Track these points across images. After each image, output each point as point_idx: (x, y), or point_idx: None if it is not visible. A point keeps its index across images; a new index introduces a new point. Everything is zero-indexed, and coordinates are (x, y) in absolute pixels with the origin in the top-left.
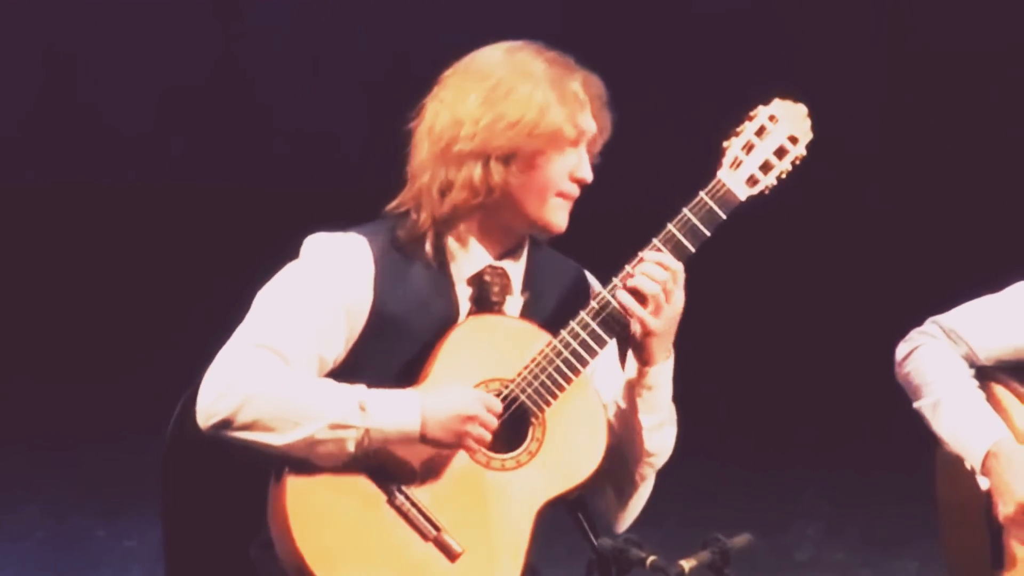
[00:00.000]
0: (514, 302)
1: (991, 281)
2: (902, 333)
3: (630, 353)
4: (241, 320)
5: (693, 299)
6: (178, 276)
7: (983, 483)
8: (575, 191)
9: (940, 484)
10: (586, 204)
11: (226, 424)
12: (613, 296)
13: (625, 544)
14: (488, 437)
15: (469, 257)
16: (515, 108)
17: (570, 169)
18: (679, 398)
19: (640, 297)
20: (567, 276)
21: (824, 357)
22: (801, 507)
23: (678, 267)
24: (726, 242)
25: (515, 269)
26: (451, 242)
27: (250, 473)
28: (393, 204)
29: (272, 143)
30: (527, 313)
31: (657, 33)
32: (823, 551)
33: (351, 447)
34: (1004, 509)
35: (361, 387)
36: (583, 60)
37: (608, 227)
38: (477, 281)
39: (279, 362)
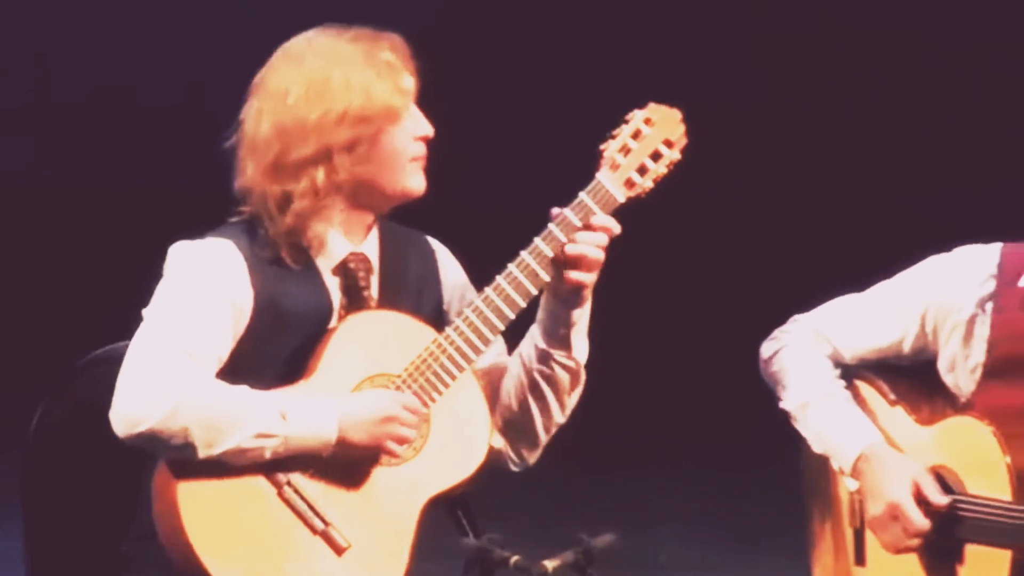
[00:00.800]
0: (374, 282)
1: (855, 280)
2: (766, 332)
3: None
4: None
5: None
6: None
7: (851, 484)
8: (423, 149)
9: (806, 482)
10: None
11: (152, 433)
12: (505, 289)
13: (489, 544)
14: (410, 436)
15: (331, 248)
16: (339, 98)
17: (411, 132)
18: None
19: (584, 263)
20: (416, 247)
21: (687, 356)
22: (664, 506)
23: (616, 229)
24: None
25: (372, 250)
26: (311, 237)
27: (117, 472)
28: (235, 219)
29: None
30: (387, 291)
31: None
32: (686, 550)
33: (268, 455)
34: (873, 510)
35: (280, 394)
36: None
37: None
38: (343, 270)
39: (195, 367)
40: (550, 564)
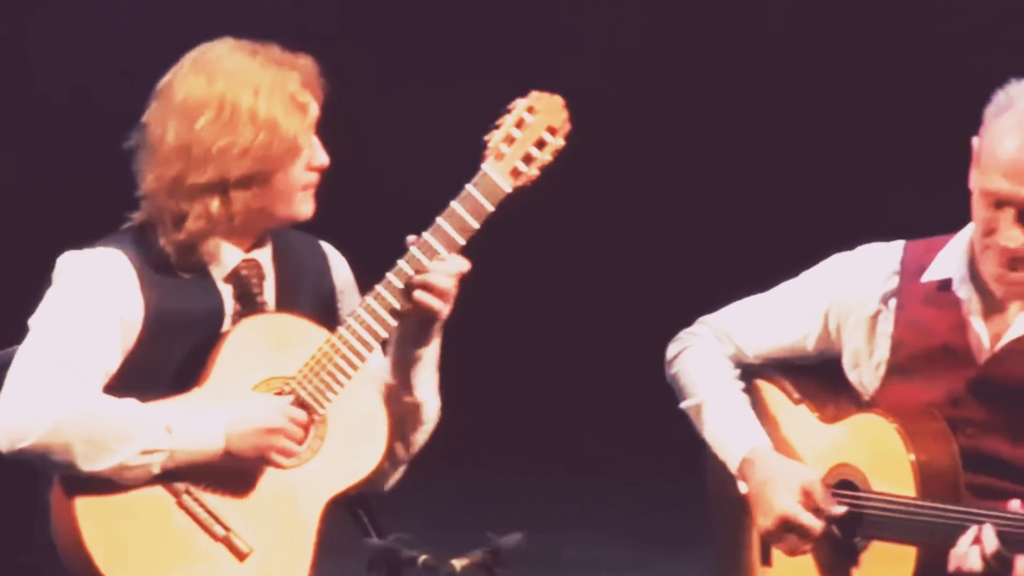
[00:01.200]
0: (269, 288)
1: (759, 280)
2: (672, 334)
3: (396, 339)
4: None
5: (463, 303)
6: None
7: (742, 487)
8: (316, 178)
9: (710, 483)
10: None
11: (34, 448)
12: (390, 291)
13: (396, 543)
14: (295, 449)
15: (223, 256)
16: (244, 132)
17: (307, 163)
18: (453, 402)
19: (435, 291)
20: (309, 251)
21: (596, 359)
22: (571, 506)
23: (465, 265)
24: (501, 234)
25: (264, 256)
26: (202, 247)
27: (14, 481)
28: (127, 225)
29: None
30: (282, 296)
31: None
32: (593, 551)
33: (156, 469)
34: (764, 522)
35: (164, 407)
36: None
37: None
38: (235, 277)
39: (79, 382)
40: (458, 563)
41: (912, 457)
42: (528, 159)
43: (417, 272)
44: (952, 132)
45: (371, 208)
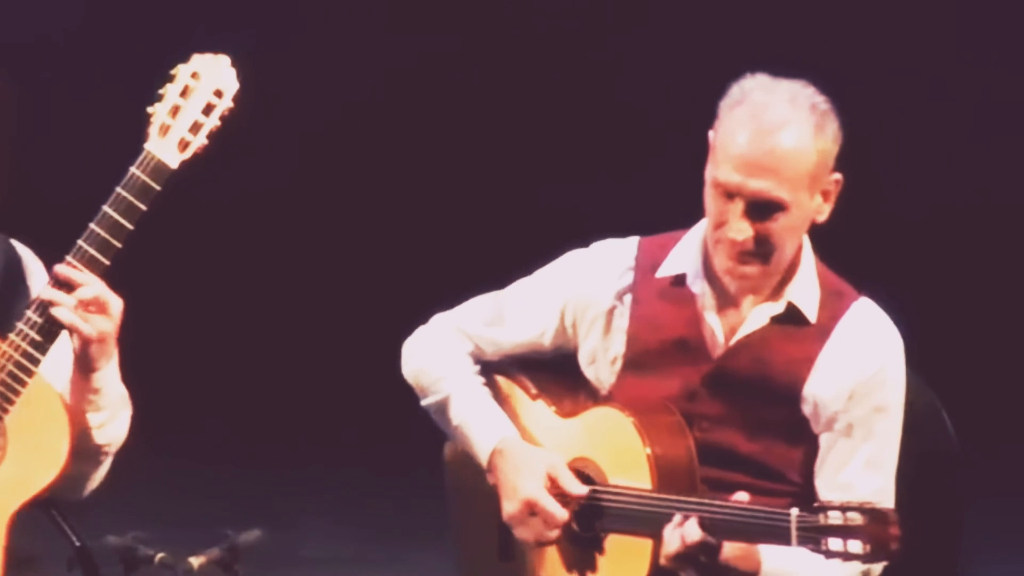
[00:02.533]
0: None
1: (495, 277)
2: (409, 331)
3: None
4: None
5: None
6: None
7: (490, 480)
8: None
9: (450, 477)
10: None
11: None
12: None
13: (133, 542)
14: None
15: None
16: None
17: None
18: (189, 397)
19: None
20: (2, 253)
21: (335, 355)
22: (310, 502)
23: (94, 279)
24: (243, 231)
25: None
26: None
27: None
28: None
29: None
30: None
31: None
32: (329, 546)
33: None
34: (509, 508)
35: None
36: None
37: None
38: None
39: None
40: (195, 561)
41: (648, 451)
42: (196, 128)
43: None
44: (690, 126)
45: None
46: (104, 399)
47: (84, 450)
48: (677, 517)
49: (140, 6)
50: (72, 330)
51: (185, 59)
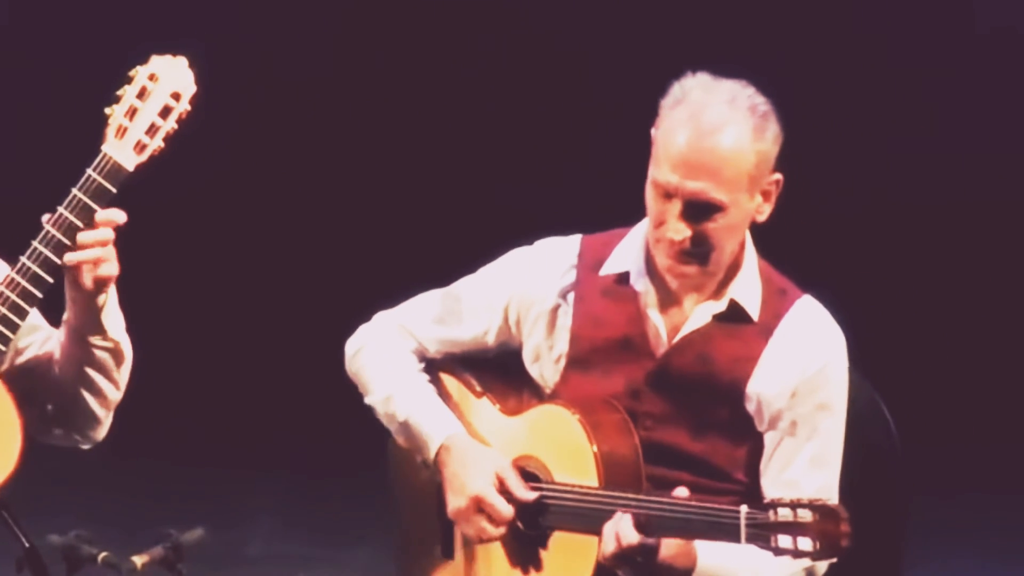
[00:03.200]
0: None
1: (438, 275)
2: (351, 329)
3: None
4: None
5: (138, 303)
6: None
7: (436, 476)
8: None
9: (393, 475)
10: None
11: None
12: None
13: (76, 541)
14: None
15: None
16: None
17: None
18: (126, 401)
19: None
20: None
21: (275, 353)
22: (253, 502)
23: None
24: (157, 235)
25: None
26: None
27: None
28: None
29: None
30: None
31: None
32: (273, 545)
33: None
34: (456, 503)
35: None
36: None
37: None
38: None
39: None
40: (139, 560)
41: (595, 448)
42: (153, 130)
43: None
44: (633, 125)
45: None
46: (114, 316)
47: (117, 363)
48: (616, 516)
49: (99, 5)
50: (97, 263)
51: (143, 60)
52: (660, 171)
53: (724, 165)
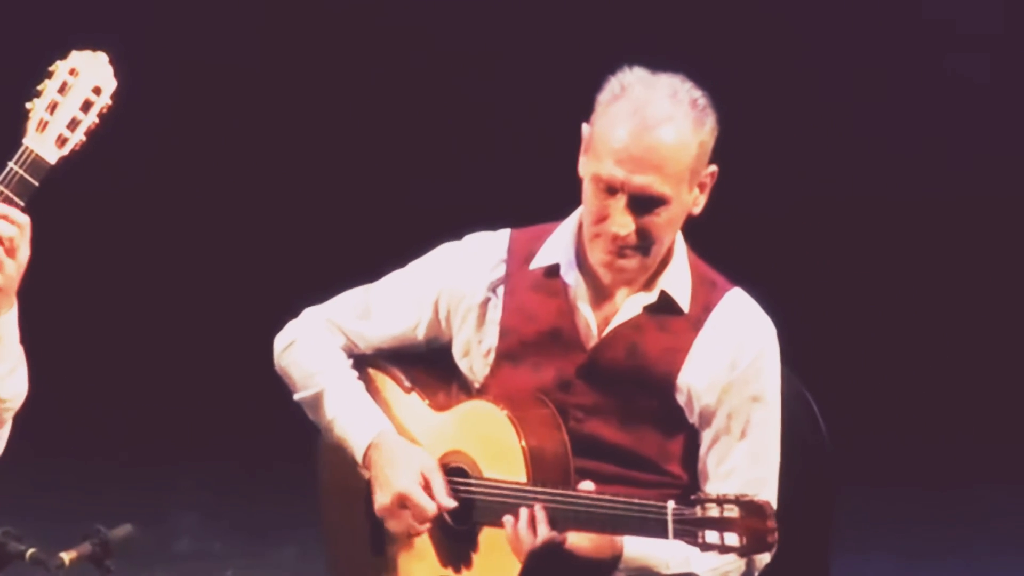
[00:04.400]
0: None
1: (366, 271)
2: (279, 326)
3: None
4: None
5: (64, 297)
6: None
7: (365, 474)
8: None
9: (323, 472)
10: None
11: None
12: None
13: (3, 537)
14: None
15: None
16: None
17: None
18: (53, 396)
19: None
20: None
21: (205, 348)
22: (179, 498)
23: (24, 220)
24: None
25: None
26: None
27: None
28: None
29: None
30: None
31: None
32: (201, 541)
33: None
34: (381, 499)
35: None
36: None
37: None
38: None
39: None
40: (67, 556)
41: (523, 444)
42: (74, 124)
43: None
44: (560, 119)
45: None
46: (7, 348)
47: None
48: (524, 512)
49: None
50: None
51: (63, 55)
52: (603, 166)
53: (669, 159)
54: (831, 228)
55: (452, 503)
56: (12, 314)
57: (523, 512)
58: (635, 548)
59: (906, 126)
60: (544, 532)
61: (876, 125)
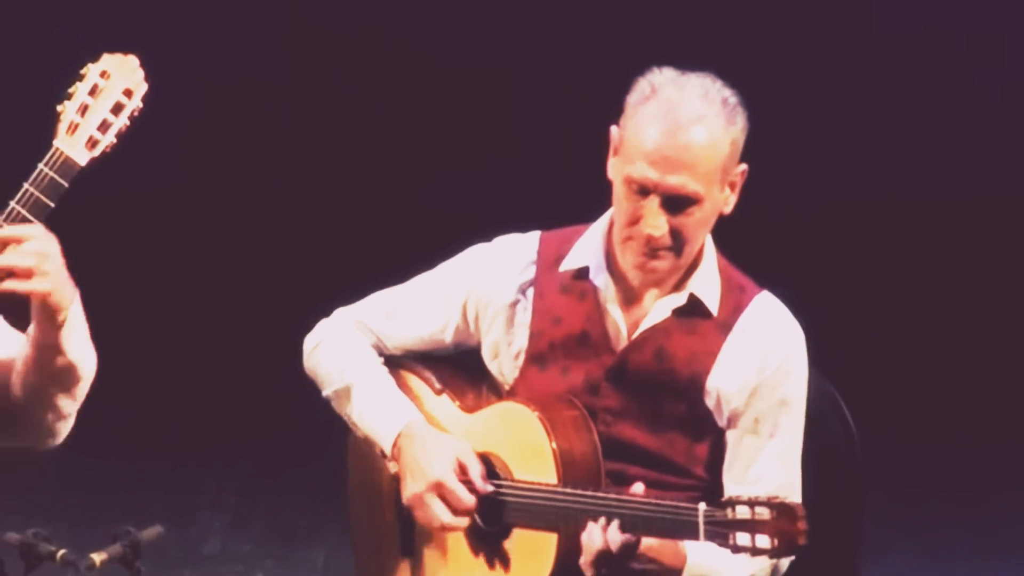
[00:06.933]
0: None
1: (396, 272)
2: (309, 326)
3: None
4: None
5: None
6: None
7: (392, 467)
8: None
9: (352, 471)
10: None
11: None
12: None
13: (34, 538)
14: None
15: None
16: None
17: None
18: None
19: (18, 274)
20: None
21: (233, 350)
22: (207, 499)
23: (40, 247)
24: (119, 231)
25: None
26: None
27: None
28: None
29: None
30: None
31: None
32: (230, 543)
33: None
34: (413, 487)
35: None
36: None
37: None
38: None
39: None
40: (97, 557)
41: (553, 445)
42: (105, 127)
43: None
44: (582, 122)
45: None
46: (74, 334)
47: (73, 380)
48: (601, 520)
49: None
50: (11, 291)
51: (95, 58)
52: (634, 168)
53: (701, 158)
54: (860, 230)
55: (490, 488)
56: (77, 303)
57: (601, 521)
58: (697, 556)
59: (938, 130)
60: (618, 537)
61: (908, 128)
